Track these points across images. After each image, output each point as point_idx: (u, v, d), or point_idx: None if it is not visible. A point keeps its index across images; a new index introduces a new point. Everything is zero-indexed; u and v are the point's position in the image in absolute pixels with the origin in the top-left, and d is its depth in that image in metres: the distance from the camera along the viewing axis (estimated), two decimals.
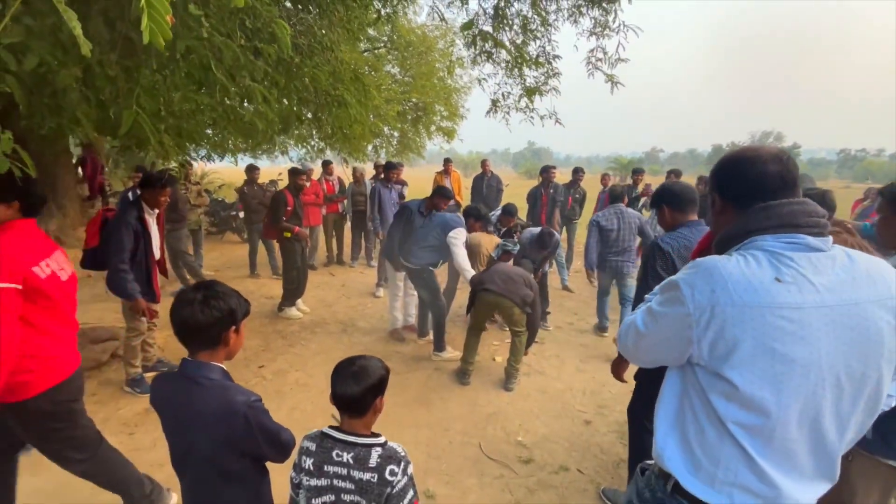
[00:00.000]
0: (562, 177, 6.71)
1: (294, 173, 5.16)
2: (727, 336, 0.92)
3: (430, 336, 4.37)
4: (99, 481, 2.12)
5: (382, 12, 4.16)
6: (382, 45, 9.57)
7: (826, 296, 0.90)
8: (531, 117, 4.65)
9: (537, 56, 4.33)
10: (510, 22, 4.11)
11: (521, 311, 3.59)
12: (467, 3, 4.28)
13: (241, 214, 9.16)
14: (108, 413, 3.18)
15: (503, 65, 4.46)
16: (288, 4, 2.86)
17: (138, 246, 3.22)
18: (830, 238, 0.96)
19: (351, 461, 1.21)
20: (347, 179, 7.45)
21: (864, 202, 5.80)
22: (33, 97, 1.89)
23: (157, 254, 3.45)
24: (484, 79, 4.62)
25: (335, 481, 1.22)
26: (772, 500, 0.96)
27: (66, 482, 2.51)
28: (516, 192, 9.04)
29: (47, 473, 2.57)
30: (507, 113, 4.74)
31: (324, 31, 2.80)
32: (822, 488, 1.00)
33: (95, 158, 9.02)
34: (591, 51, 4.15)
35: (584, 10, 4.06)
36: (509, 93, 4.62)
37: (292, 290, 5.08)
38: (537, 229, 4.63)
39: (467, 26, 3.98)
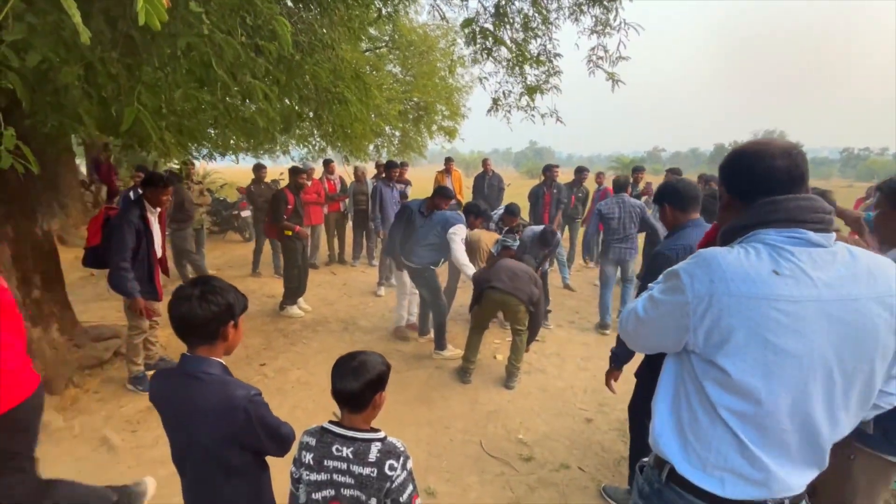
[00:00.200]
0: (563, 176, 6.70)
1: (294, 172, 5.17)
2: (723, 325, 0.94)
3: (431, 334, 4.38)
4: None
5: (383, 11, 4.15)
6: (384, 44, 9.55)
7: (823, 291, 0.91)
8: (532, 116, 4.64)
9: (538, 54, 4.32)
10: (511, 20, 4.10)
11: (525, 310, 3.58)
12: (468, 1, 4.28)
13: (244, 214, 9.21)
14: (111, 411, 3.20)
15: (504, 63, 4.45)
16: (289, 3, 2.87)
17: (140, 244, 3.24)
18: (833, 234, 0.97)
19: (350, 456, 1.22)
20: (349, 178, 7.46)
21: (867, 200, 5.79)
22: (35, 95, 1.90)
23: (158, 252, 3.47)
24: (485, 77, 4.61)
25: (335, 476, 1.23)
26: (762, 483, 0.98)
27: (69, 479, 2.52)
28: (518, 191, 9.04)
29: (51, 471, 2.59)
30: (508, 112, 4.72)
31: (324, 30, 2.81)
32: (811, 474, 1.01)
33: (109, 160, 9.12)
34: (592, 49, 4.14)
35: (585, 8, 4.05)
36: (510, 91, 4.61)
37: (293, 289, 5.09)
38: (539, 228, 4.64)
39: (467, 23, 3.97)
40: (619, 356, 2.28)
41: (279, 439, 1.35)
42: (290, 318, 5.06)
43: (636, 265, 4.99)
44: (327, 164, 7.49)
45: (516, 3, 4.08)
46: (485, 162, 7.79)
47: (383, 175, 6.54)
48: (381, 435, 1.27)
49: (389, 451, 1.23)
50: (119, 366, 3.74)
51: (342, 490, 1.22)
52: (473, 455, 2.84)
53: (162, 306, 3.52)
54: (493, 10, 4.03)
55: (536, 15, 4.12)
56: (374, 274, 6.71)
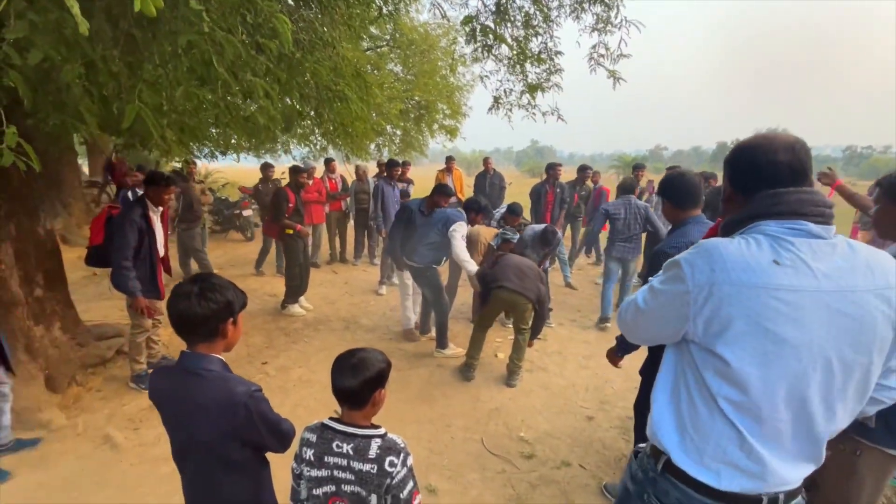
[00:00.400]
0: (565, 175, 6.69)
1: (295, 171, 5.18)
2: (722, 314, 0.94)
3: (433, 333, 4.38)
4: None
5: (384, 10, 4.15)
6: (385, 43, 9.56)
7: (823, 281, 0.91)
8: (533, 114, 4.63)
9: (539, 52, 4.31)
10: (512, 17, 4.09)
11: (532, 309, 3.56)
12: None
13: (245, 213, 9.23)
14: (114, 409, 3.21)
15: (505, 61, 4.44)
16: (289, 1, 2.87)
17: (142, 243, 3.25)
18: (833, 227, 0.97)
19: (351, 452, 1.22)
20: (350, 177, 7.47)
21: (870, 198, 5.76)
22: (37, 93, 1.90)
23: (161, 251, 3.47)
24: (486, 76, 4.60)
25: (335, 472, 1.23)
26: (758, 476, 0.98)
27: (70, 477, 2.54)
28: (519, 190, 9.03)
29: (54, 469, 2.60)
30: (510, 110, 4.71)
31: (325, 28, 2.81)
32: (808, 469, 1.02)
33: (123, 162, 9.19)
34: (594, 47, 4.14)
35: (586, 5, 4.04)
36: (511, 89, 4.60)
37: (295, 288, 5.10)
38: (540, 226, 4.63)
39: (468, 20, 3.96)
40: (624, 343, 2.26)
41: (280, 435, 1.35)
42: (291, 317, 5.07)
43: (637, 264, 5.02)
44: (328, 162, 7.49)
45: (517, 0, 4.07)
46: (486, 161, 7.78)
47: (385, 174, 6.54)
48: (381, 431, 1.27)
49: (389, 448, 1.23)
50: (121, 364, 3.76)
51: (343, 486, 1.23)
52: (475, 453, 2.84)
53: (164, 305, 3.53)
54: (493, 8, 4.02)
55: (537, 12, 4.11)
56: (375, 273, 6.72)
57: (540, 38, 4.28)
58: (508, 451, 2.87)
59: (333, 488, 1.23)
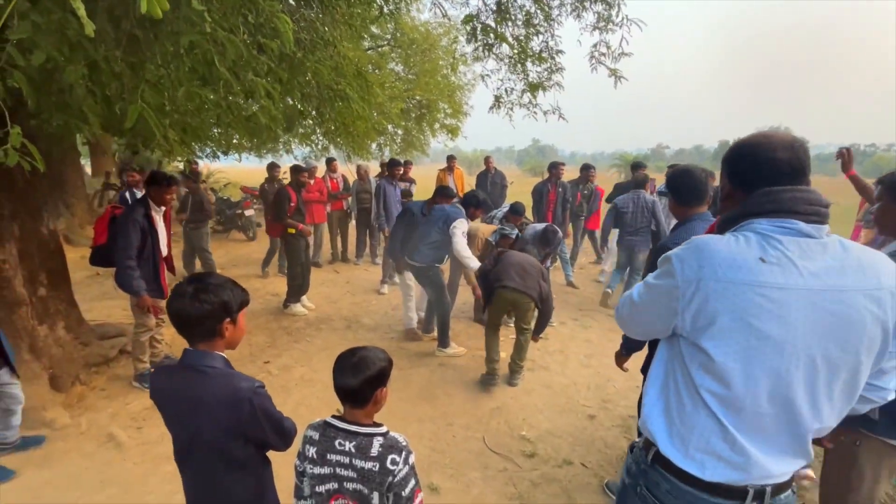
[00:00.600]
0: (567, 174, 6.68)
1: (296, 170, 5.20)
2: (708, 309, 0.96)
3: (435, 332, 4.38)
4: None
5: (385, 9, 4.15)
6: (386, 42, 9.56)
7: (809, 280, 0.92)
8: (534, 113, 4.63)
9: (540, 51, 4.31)
10: (512, 16, 4.09)
11: (535, 308, 3.54)
12: None
13: (247, 213, 9.25)
14: (117, 408, 3.23)
15: (506, 60, 4.44)
16: (290, 1, 2.87)
17: (146, 243, 3.27)
18: (826, 227, 0.98)
19: (353, 450, 1.23)
20: (352, 177, 7.48)
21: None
22: (41, 94, 1.92)
23: (164, 251, 3.49)
24: (487, 75, 4.60)
25: (338, 469, 1.23)
26: (741, 467, 0.99)
27: (75, 475, 2.56)
28: (521, 189, 9.03)
29: (58, 467, 2.62)
30: (511, 109, 4.71)
31: (326, 28, 2.82)
32: (796, 464, 1.03)
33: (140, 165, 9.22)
34: (595, 45, 4.13)
35: (587, 4, 4.04)
36: (512, 88, 4.60)
37: (297, 287, 5.11)
38: (541, 225, 4.62)
39: (468, 19, 3.96)
40: (629, 343, 2.27)
41: (282, 432, 1.36)
42: (293, 316, 5.08)
43: (644, 257, 5.07)
44: (330, 162, 7.50)
45: None
46: (487, 160, 7.77)
47: (386, 173, 6.55)
48: (383, 430, 1.28)
49: (391, 446, 1.24)
50: (125, 363, 3.77)
51: (345, 484, 1.23)
52: (476, 451, 2.85)
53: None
54: (494, 7, 4.02)
55: (538, 11, 4.11)
56: (377, 272, 6.73)
57: (541, 36, 4.28)
58: (510, 449, 2.87)
59: (336, 486, 1.24)
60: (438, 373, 3.88)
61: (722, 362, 0.96)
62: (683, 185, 2.13)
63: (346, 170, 8.21)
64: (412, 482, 1.24)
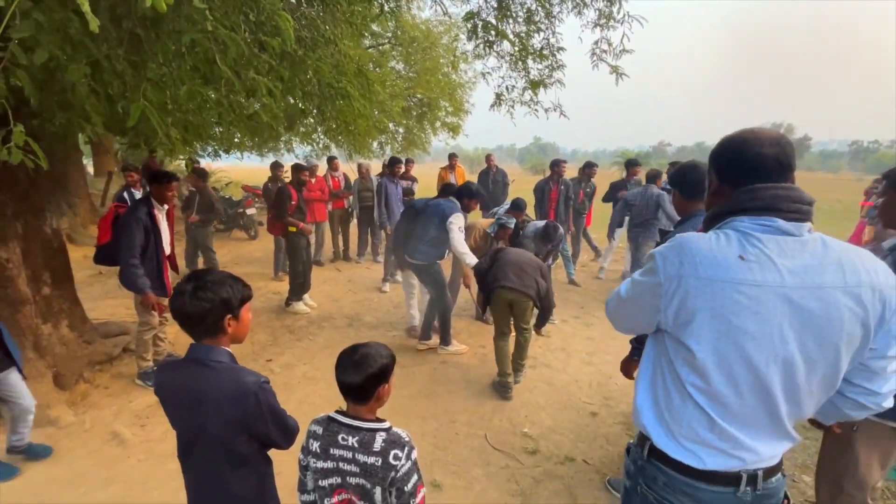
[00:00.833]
0: (568, 172, 6.66)
1: (297, 169, 5.20)
2: (689, 306, 0.98)
3: (431, 342, 4.31)
4: None
5: (385, 7, 4.15)
6: (386, 41, 9.55)
7: (787, 277, 0.94)
8: (535, 111, 4.62)
9: (541, 48, 4.30)
10: (513, 13, 4.08)
11: (534, 307, 3.50)
12: None
13: (249, 211, 9.27)
14: (121, 406, 3.24)
15: (507, 58, 4.43)
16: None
17: (149, 241, 3.28)
18: (808, 224, 0.99)
19: (356, 445, 1.23)
20: (353, 175, 7.48)
21: (875, 194, 5.74)
22: (43, 93, 1.92)
23: (167, 249, 3.50)
24: (488, 72, 4.59)
25: (341, 464, 1.24)
26: (734, 454, 1.02)
27: (79, 473, 2.57)
28: (522, 187, 9.01)
29: (62, 465, 2.64)
30: (512, 106, 4.71)
31: (327, 26, 2.82)
32: (783, 446, 1.06)
33: (154, 164, 9.25)
34: (596, 42, 4.13)
35: (588, 1, 4.03)
36: (513, 86, 4.60)
37: (298, 285, 5.13)
38: (542, 222, 4.62)
39: (469, 16, 3.96)
40: (638, 347, 2.25)
41: (285, 429, 1.36)
42: (295, 315, 5.09)
43: (647, 250, 5.10)
44: (331, 160, 7.51)
45: None
46: (488, 157, 7.76)
47: (388, 171, 6.56)
48: (386, 425, 1.28)
49: (394, 441, 1.24)
50: (128, 362, 3.79)
51: (348, 478, 1.24)
52: (478, 448, 2.86)
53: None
54: (495, 4, 4.01)
55: (539, 8, 4.10)
56: (378, 270, 6.73)
57: (542, 34, 4.27)
58: (512, 446, 2.88)
59: (339, 480, 1.25)
60: (440, 370, 3.89)
61: (703, 358, 0.98)
62: (692, 179, 2.12)
63: (349, 168, 8.21)
64: (414, 477, 1.25)
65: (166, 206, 3.45)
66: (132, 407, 3.23)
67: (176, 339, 4.13)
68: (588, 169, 6.72)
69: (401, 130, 11.07)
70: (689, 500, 1.06)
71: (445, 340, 4.18)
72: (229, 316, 1.30)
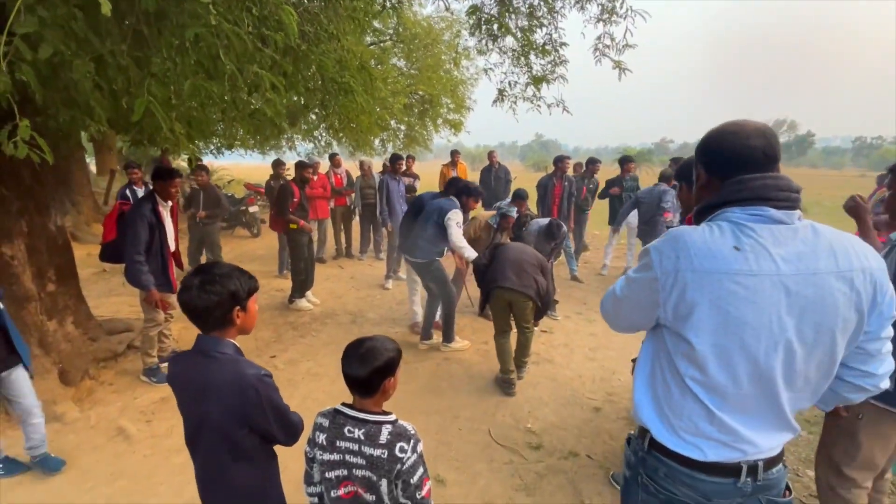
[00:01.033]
0: (571, 169, 6.65)
1: (300, 166, 5.20)
2: (687, 299, 0.98)
3: (432, 341, 4.29)
4: None
5: (387, 3, 4.14)
6: (388, 37, 9.53)
7: (782, 265, 0.94)
8: (538, 106, 4.61)
9: (544, 44, 4.29)
10: (516, 9, 4.07)
11: (534, 306, 3.46)
12: None
13: (251, 209, 9.28)
14: (126, 402, 3.26)
15: (509, 53, 4.42)
16: None
17: (154, 238, 3.29)
18: (797, 212, 1.00)
19: (362, 437, 1.24)
20: (355, 173, 7.49)
21: (878, 192, 5.70)
22: (47, 90, 1.93)
23: (172, 246, 3.50)
24: (490, 68, 4.58)
25: (347, 456, 1.24)
26: (733, 445, 1.03)
27: (85, 468, 2.59)
28: (524, 184, 8.99)
29: (68, 460, 2.65)
30: (514, 102, 4.70)
31: (329, 21, 2.82)
32: (784, 437, 1.06)
33: (167, 163, 9.28)
34: (599, 37, 4.11)
35: None
36: (516, 82, 4.58)
37: (301, 282, 5.14)
38: (545, 220, 4.61)
39: (473, 10, 3.95)
40: None
41: (287, 424, 1.37)
42: (299, 311, 5.11)
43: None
44: (333, 157, 7.51)
45: None
46: (490, 154, 7.74)
47: (390, 168, 6.55)
48: (391, 418, 1.28)
49: (400, 434, 1.25)
50: (133, 358, 3.81)
51: (354, 470, 1.24)
52: (482, 443, 2.86)
53: (175, 299, 3.58)
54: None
55: (542, 3, 4.09)
56: (381, 267, 6.74)
57: (544, 29, 4.26)
58: (516, 441, 2.88)
59: (345, 472, 1.25)
60: (444, 366, 3.89)
61: (702, 350, 0.98)
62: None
63: (352, 165, 8.21)
64: (420, 470, 1.25)
65: (170, 203, 3.46)
66: (137, 403, 3.25)
67: (180, 336, 4.15)
68: (591, 165, 6.70)
69: (402, 128, 11.06)
70: (689, 491, 1.07)
71: (448, 337, 4.17)
72: (237, 308, 1.32)
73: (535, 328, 3.72)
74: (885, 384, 1.06)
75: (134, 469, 2.59)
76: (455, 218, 3.85)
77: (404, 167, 6.74)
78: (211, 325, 1.31)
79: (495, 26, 4.02)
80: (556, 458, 2.74)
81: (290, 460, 1.58)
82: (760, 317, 0.94)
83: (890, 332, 1.02)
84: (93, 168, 12.25)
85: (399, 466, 1.22)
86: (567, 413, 3.23)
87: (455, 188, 4.12)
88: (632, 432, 1.24)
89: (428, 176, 8.86)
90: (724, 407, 1.01)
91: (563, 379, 3.71)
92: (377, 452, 1.22)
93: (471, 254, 3.83)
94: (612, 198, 6.66)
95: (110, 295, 5.40)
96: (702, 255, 0.97)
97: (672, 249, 1.01)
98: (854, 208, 1.97)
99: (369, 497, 1.25)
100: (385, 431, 1.24)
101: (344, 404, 1.31)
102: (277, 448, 1.45)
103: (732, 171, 1.03)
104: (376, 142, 10.14)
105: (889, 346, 1.03)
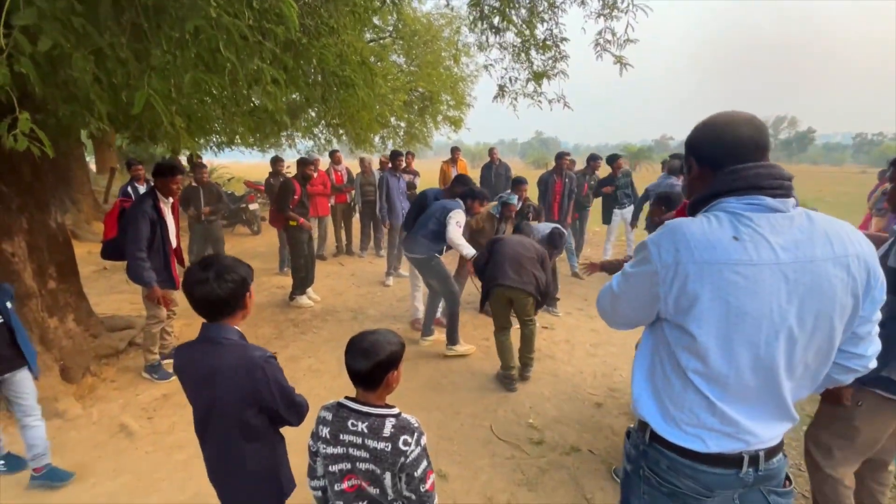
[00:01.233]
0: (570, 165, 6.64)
1: (302, 163, 5.18)
2: (689, 291, 0.98)
3: (433, 337, 4.27)
4: None
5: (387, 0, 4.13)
6: (388, 34, 9.50)
7: (781, 254, 0.95)
8: (539, 102, 4.59)
9: (544, 39, 4.27)
10: (516, 3, 4.05)
11: (534, 301, 3.45)
12: None
13: (252, 207, 9.27)
14: (128, 399, 3.26)
15: (510, 49, 4.40)
16: None
17: (155, 234, 3.28)
18: (792, 200, 1.01)
19: (365, 430, 1.23)
20: (356, 170, 7.48)
21: (881, 186, 5.69)
22: (47, 85, 1.92)
23: (173, 242, 3.49)
24: (490, 64, 4.56)
25: (350, 450, 1.24)
26: (735, 436, 1.03)
27: (87, 465, 2.59)
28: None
29: (70, 457, 2.65)
30: (515, 98, 4.67)
31: (330, 15, 2.80)
32: (784, 427, 1.07)
33: (177, 161, 9.24)
34: (599, 33, 4.09)
35: None
36: (516, 78, 4.56)
37: (302, 279, 5.13)
38: (548, 228, 4.55)
39: (475, 3, 3.93)
40: None
41: (293, 404, 1.42)
42: (299, 308, 5.10)
43: None
44: (333, 154, 7.49)
45: None
46: (491, 151, 7.73)
47: (389, 166, 6.54)
48: (395, 411, 1.28)
49: (404, 427, 1.24)
50: (134, 355, 3.81)
51: (357, 464, 1.24)
52: (484, 439, 2.86)
53: (178, 295, 3.57)
54: None
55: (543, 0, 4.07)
56: (381, 264, 6.74)
57: (545, 25, 4.24)
58: (517, 437, 2.88)
59: (349, 466, 1.25)
60: (445, 362, 3.89)
61: (704, 341, 0.98)
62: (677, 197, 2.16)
63: (352, 163, 8.20)
64: (424, 463, 1.25)
65: (171, 200, 3.45)
66: (139, 400, 3.25)
67: (182, 333, 4.15)
68: (593, 162, 6.69)
69: (402, 125, 11.03)
70: (692, 483, 1.07)
71: (452, 339, 4.01)
72: (248, 293, 1.40)
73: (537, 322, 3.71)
74: (873, 364, 1.07)
75: (136, 465, 2.59)
76: (456, 217, 3.84)
77: (404, 164, 6.73)
78: (227, 314, 1.36)
79: (497, 19, 4.00)
80: (557, 453, 2.74)
81: (294, 454, 1.58)
82: (761, 306, 0.95)
83: (879, 315, 1.03)
84: (92, 166, 12.24)
85: (403, 459, 1.21)
86: (569, 408, 3.22)
87: (462, 188, 4.09)
88: (632, 426, 1.24)
89: (428, 173, 8.85)
90: (725, 398, 1.00)
91: (565, 375, 3.71)
92: (381, 445, 1.22)
93: (468, 251, 3.81)
94: (604, 196, 6.67)
95: (111, 292, 5.40)
96: (702, 246, 0.97)
97: (671, 242, 1.00)
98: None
99: (373, 490, 1.25)
100: (388, 424, 1.24)
101: (347, 398, 1.31)
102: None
103: (725, 161, 1.04)
104: (376, 139, 10.12)
105: (877, 329, 1.05)
